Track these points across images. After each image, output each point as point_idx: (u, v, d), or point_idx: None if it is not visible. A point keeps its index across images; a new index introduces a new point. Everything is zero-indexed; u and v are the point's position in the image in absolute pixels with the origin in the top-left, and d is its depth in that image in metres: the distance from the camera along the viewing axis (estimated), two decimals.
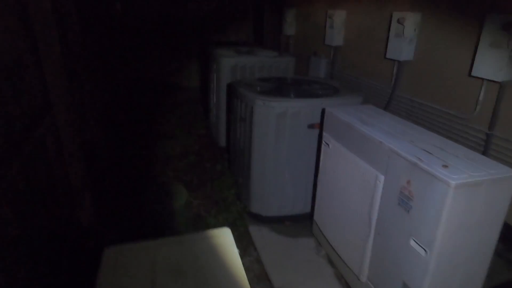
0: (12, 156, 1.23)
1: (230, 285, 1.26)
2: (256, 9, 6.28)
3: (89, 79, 2.66)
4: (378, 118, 2.06)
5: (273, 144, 2.50)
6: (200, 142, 4.28)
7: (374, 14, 3.21)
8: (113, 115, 3.95)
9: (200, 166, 3.64)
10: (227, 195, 3.05)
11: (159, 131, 4.55)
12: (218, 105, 3.84)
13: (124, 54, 5.34)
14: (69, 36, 2.16)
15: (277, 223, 2.72)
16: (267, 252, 2.42)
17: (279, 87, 2.75)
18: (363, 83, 3.43)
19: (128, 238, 1.46)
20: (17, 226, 1.21)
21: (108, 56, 4.04)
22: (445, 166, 1.42)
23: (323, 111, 2.35)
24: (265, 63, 3.75)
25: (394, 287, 1.65)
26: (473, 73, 2.19)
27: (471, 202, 1.39)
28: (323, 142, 2.27)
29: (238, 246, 1.45)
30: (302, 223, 2.72)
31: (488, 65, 2.08)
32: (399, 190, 1.58)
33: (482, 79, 2.17)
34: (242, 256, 2.29)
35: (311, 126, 2.47)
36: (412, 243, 1.51)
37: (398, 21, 2.73)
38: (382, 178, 1.69)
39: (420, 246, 1.47)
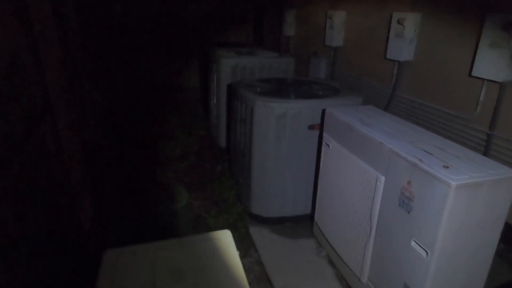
0: (12, 156, 1.23)
1: None
2: (256, 10, 6.28)
3: (89, 79, 2.66)
4: (378, 119, 2.06)
5: (274, 145, 2.49)
6: (200, 142, 4.28)
7: (374, 15, 3.21)
8: (113, 115, 3.94)
9: (200, 167, 3.64)
10: (227, 196, 3.04)
11: (159, 132, 4.55)
12: (218, 106, 3.84)
13: (124, 54, 5.33)
14: (69, 36, 2.15)
15: (278, 224, 2.71)
16: (267, 253, 2.41)
17: (279, 88, 2.75)
18: (363, 84, 3.42)
19: (128, 239, 1.46)
20: (17, 226, 1.20)
21: (108, 57, 4.04)
22: (446, 167, 1.41)
23: (323, 112, 2.34)
24: (265, 64, 3.76)
25: None
26: (474, 73, 2.19)
27: (472, 202, 1.38)
28: (324, 142, 2.26)
29: (238, 247, 1.45)
30: (302, 224, 2.71)
31: (489, 65, 2.08)
32: (399, 191, 1.58)
33: (483, 79, 2.16)
34: (242, 257, 2.29)
35: (311, 127, 2.47)
36: (413, 244, 1.51)
37: (398, 22, 2.73)
38: (382, 178, 1.69)
39: (421, 247, 1.47)
